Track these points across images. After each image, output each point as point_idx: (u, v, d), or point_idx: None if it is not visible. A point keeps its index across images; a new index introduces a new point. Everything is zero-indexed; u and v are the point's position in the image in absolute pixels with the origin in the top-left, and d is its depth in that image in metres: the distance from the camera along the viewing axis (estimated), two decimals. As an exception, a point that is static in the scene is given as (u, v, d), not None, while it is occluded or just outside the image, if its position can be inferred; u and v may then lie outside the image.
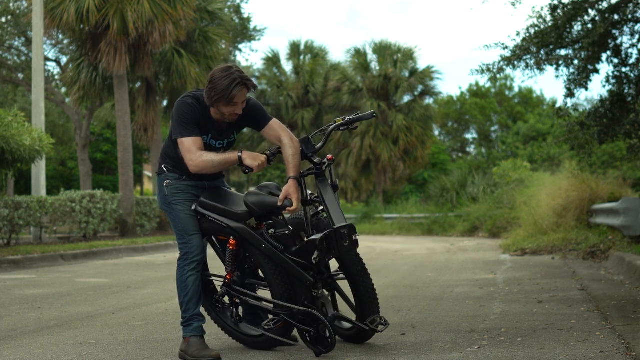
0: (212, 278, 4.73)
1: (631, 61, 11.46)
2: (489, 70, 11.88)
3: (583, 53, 11.09)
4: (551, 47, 11.33)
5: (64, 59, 28.17)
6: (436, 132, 45.40)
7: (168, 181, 4.47)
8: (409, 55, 32.70)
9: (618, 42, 11.40)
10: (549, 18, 11.25)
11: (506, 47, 11.74)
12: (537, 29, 11.30)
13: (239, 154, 4.26)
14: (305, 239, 4.33)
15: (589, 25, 11.10)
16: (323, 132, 4.54)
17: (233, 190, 4.71)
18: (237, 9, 29.64)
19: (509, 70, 12.31)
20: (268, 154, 4.33)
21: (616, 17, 10.97)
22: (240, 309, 4.74)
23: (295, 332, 4.57)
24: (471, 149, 49.87)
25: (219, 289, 4.72)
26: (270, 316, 4.45)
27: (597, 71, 11.20)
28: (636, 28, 11.45)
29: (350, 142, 31.90)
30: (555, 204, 14.07)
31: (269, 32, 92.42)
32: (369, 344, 4.52)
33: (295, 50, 34.53)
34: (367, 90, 32.20)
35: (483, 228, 20.40)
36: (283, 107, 33.27)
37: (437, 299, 6.64)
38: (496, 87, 47.50)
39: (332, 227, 4.12)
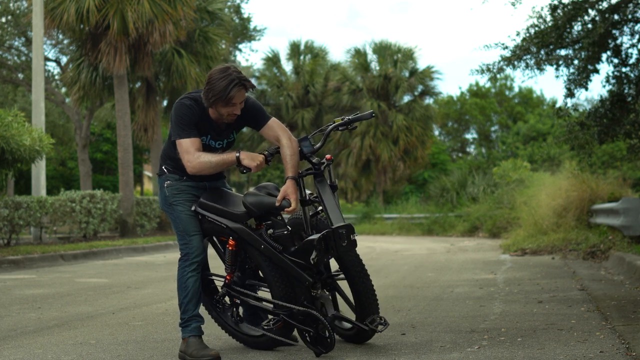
0: (213, 277, 4.74)
1: (631, 61, 11.46)
2: (489, 70, 11.88)
3: (583, 53, 11.09)
4: (551, 47, 11.33)
5: (64, 59, 28.18)
6: (436, 132, 45.41)
7: (169, 182, 4.48)
8: (409, 55, 32.71)
9: (618, 42, 11.40)
10: (549, 18, 11.26)
11: (506, 47, 11.74)
12: (537, 29, 11.30)
13: (237, 154, 4.26)
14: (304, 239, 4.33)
15: (589, 25, 11.10)
16: (322, 132, 4.54)
17: (233, 190, 4.72)
18: (237, 9, 29.64)
19: (509, 70, 12.32)
20: (266, 154, 4.33)
21: (616, 17, 10.97)
22: (241, 309, 4.74)
23: (295, 332, 4.57)
24: (471, 149, 49.89)
25: (219, 288, 4.73)
26: (270, 316, 4.45)
27: (597, 71, 11.20)
28: (636, 28, 11.45)
29: (350, 142, 31.90)
30: (555, 204, 14.07)
31: (269, 32, 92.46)
32: (369, 344, 4.52)
33: (295, 50, 34.53)
34: (367, 90, 32.20)
35: (483, 228, 20.40)
36: (283, 107, 33.27)
37: (437, 299, 6.64)
38: (496, 87, 47.50)
39: (330, 227, 4.12)
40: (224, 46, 24.29)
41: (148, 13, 17.60)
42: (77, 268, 11.34)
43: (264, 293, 4.63)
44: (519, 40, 11.54)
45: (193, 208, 4.44)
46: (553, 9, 11.15)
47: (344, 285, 4.57)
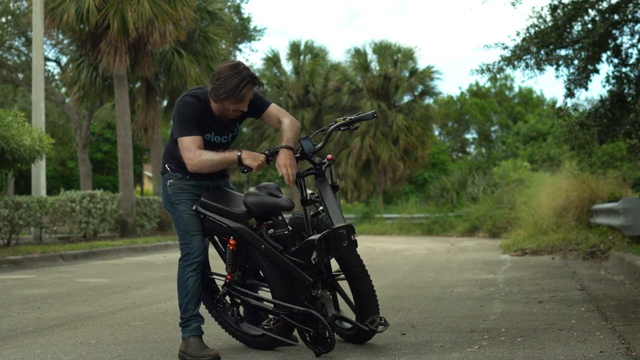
0: (214, 277, 4.74)
1: (631, 61, 11.46)
2: (489, 70, 11.89)
3: (583, 53, 11.09)
4: (551, 47, 11.34)
5: (64, 59, 28.18)
6: (436, 132, 45.41)
7: (171, 181, 4.47)
8: (409, 55, 32.70)
9: (618, 42, 11.40)
10: (549, 18, 11.26)
11: (506, 47, 11.74)
12: (537, 29, 11.30)
13: (239, 153, 4.26)
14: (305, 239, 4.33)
15: (589, 25, 11.10)
16: (323, 132, 4.54)
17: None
18: (237, 9, 29.65)
19: (509, 70, 12.33)
20: (267, 153, 4.33)
21: (616, 17, 10.97)
22: (242, 309, 4.74)
23: (295, 332, 4.57)
24: (471, 149, 49.89)
25: (220, 288, 4.73)
26: (270, 316, 4.45)
27: (597, 71, 11.20)
28: (636, 28, 11.45)
29: (350, 142, 31.90)
30: (555, 204, 14.07)
31: (269, 32, 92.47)
32: (369, 344, 4.52)
33: (295, 50, 34.53)
34: (367, 90, 32.20)
35: (483, 228, 20.40)
36: (283, 107, 33.13)
37: (437, 299, 6.64)
38: (496, 87, 47.51)
39: (331, 228, 4.12)
40: (224, 46, 24.30)
41: (148, 13, 17.60)
42: (77, 268, 11.34)
43: (265, 293, 4.63)
44: (519, 40, 11.55)
45: (194, 207, 4.44)
46: (553, 9, 11.15)
47: (344, 285, 4.57)
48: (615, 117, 11.30)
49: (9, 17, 26.09)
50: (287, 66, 34.83)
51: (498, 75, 12.33)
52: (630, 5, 10.96)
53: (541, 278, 8.26)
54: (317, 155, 4.42)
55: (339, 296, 4.61)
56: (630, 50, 11.50)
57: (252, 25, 30.68)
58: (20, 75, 27.45)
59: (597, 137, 11.48)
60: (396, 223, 25.03)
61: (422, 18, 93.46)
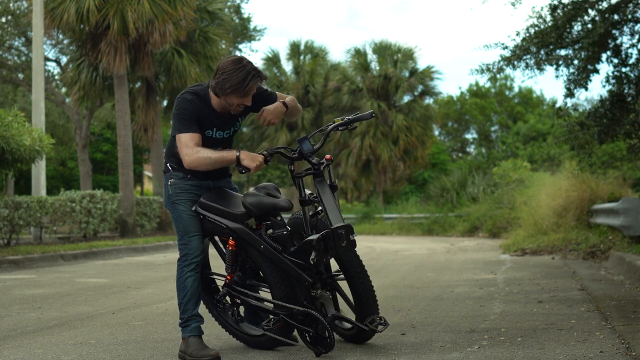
0: (214, 277, 4.74)
1: (631, 61, 11.46)
2: (488, 70, 11.89)
3: (583, 53, 11.09)
4: (551, 47, 11.34)
5: (64, 59, 28.19)
6: (436, 132, 45.42)
7: (172, 180, 4.46)
8: (409, 55, 32.70)
9: (618, 42, 11.40)
10: (549, 18, 11.26)
11: (506, 47, 11.74)
12: (537, 29, 11.30)
13: (237, 153, 4.25)
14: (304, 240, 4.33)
15: (589, 25, 11.11)
16: (322, 132, 4.54)
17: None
18: (237, 9, 29.65)
19: (508, 70, 12.33)
20: (265, 154, 4.32)
21: (616, 17, 10.97)
22: (242, 309, 4.74)
23: (295, 332, 4.57)
24: (471, 149, 49.90)
25: (220, 288, 4.73)
26: (270, 316, 4.45)
27: (597, 71, 11.21)
28: (636, 28, 11.45)
29: (350, 142, 31.90)
30: (555, 204, 14.07)
31: (269, 32, 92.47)
32: (369, 344, 4.52)
33: (295, 50, 34.53)
34: (367, 90, 32.20)
35: (483, 228, 20.40)
36: (283, 107, 33.25)
37: (437, 299, 6.64)
38: (496, 87, 47.51)
39: (329, 228, 4.12)
40: (224, 46, 24.29)
41: (148, 13, 17.60)
42: (77, 268, 11.34)
43: (265, 293, 4.63)
44: (519, 40, 11.55)
45: (194, 208, 4.43)
46: (553, 9, 11.15)
47: (344, 285, 4.57)
48: (615, 117, 11.30)
49: (9, 17, 26.09)
50: (287, 66, 34.86)
51: (498, 75, 12.34)
52: (630, 5, 10.96)
53: (541, 278, 8.26)
54: (316, 155, 4.42)
55: (339, 296, 4.62)
56: (630, 50, 11.51)
57: (252, 25, 30.68)
58: (20, 75, 27.45)
59: (597, 137, 11.48)
60: (396, 223, 25.03)
61: (422, 18, 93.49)
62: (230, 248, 4.50)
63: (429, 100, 34.39)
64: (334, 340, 4.18)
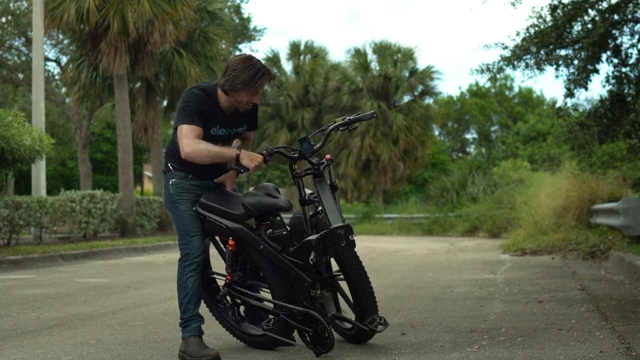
0: (215, 276, 4.74)
1: (631, 61, 11.46)
2: (488, 70, 11.89)
3: (583, 53, 11.09)
4: (551, 47, 11.34)
5: (64, 59, 28.19)
6: (436, 132, 45.41)
7: (174, 180, 4.45)
8: (409, 55, 32.70)
9: (618, 42, 11.40)
10: (549, 18, 11.26)
11: (506, 47, 11.74)
12: (537, 29, 11.30)
13: (237, 152, 4.26)
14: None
15: (589, 25, 11.11)
16: (322, 132, 4.54)
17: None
18: (237, 9, 29.65)
19: (508, 70, 12.34)
20: (265, 153, 4.33)
21: (616, 17, 10.97)
22: (242, 308, 4.74)
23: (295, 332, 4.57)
24: (471, 149, 49.90)
25: (221, 287, 4.73)
26: (270, 316, 4.46)
27: (597, 71, 11.21)
28: (636, 28, 11.45)
29: (350, 142, 31.90)
30: (555, 204, 14.07)
31: (269, 32, 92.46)
32: (369, 344, 4.52)
33: (295, 50, 34.53)
34: (367, 90, 32.20)
35: (483, 228, 20.40)
36: (283, 107, 33.27)
37: (437, 299, 6.64)
38: (496, 87, 47.51)
39: (328, 228, 4.12)
40: (224, 46, 24.30)
41: (148, 13, 17.60)
42: (77, 268, 11.34)
43: (265, 293, 4.63)
44: (519, 40, 11.55)
45: (194, 208, 4.43)
46: (553, 9, 11.15)
47: (344, 285, 4.57)
48: (615, 117, 11.30)
49: (9, 17, 26.09)
50: (287, 66, 34.85)
51: (498, 75, 12.34)
52: (630, 5, 10.96)
53: (541, 278, 8.26)
54: (316, 155, 4.42)
55: (339, 296, 4.62)
56: (630, 50, 11.51)
57: (252, 25, 30.69)
58: (20, 75, 27.45)
59: (597, 137, 11.48)
60: (396, 223, 25.03)
61: (422, 18, 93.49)
62: (230, 248, 4.50)
63: (429, 100, 34.41)
64: (334, 340, 4.18)
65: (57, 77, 29.16)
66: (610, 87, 11.60)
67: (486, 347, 4.33)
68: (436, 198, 26.25)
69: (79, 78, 20.73)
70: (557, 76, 11.82)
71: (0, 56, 27.12)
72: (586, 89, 11.30)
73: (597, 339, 4.46)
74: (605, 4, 11.05)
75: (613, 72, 11.49)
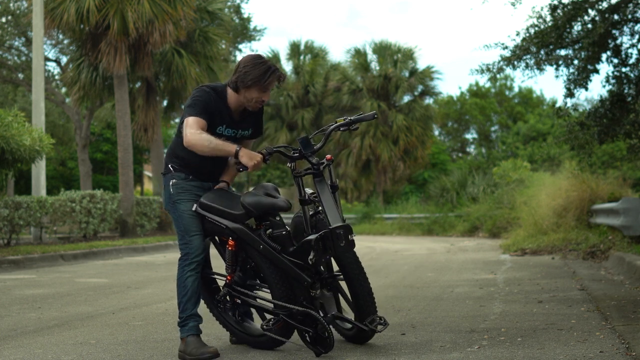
0: (215, 276, 4.74)
1: (631, 61, 11.46)
2: (488, 70, 11.89)
3: (583, 53, 11.09)
4: (551, 47, 11.34)
5: (64, 59, 28.18)
6: (436, 132, 45.41)
7: (174, 180, 4.48)
8: (409, 55, 32.69)
9: (618, 42, 11.40)
10: (549, 18, 11.26)
11: (506, 47, 11.74)
12: (537, 29, 11.30)
13: (237, 148, 4.27)
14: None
15: (589, 25, 11.11)
16: (323, 132, 4.55)
17: (234, 190, 4.72)
18: (237, 9, 29.64)
19: (508, 70, 12.35)
20: (264, 152, 4.33)
21: (616, 17, 10.97)
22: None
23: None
24: (471, 149, 49.89)
25: (221, 288, 4.73)
26: (270, 316, 4.46)
27: (597, 71, 11.21)
28: (636, 28, 11.45)
29: (350, 142, 31.90)
30: (555, 204, 14.07)
31: (269, 32, 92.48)
32: (369, 344, 4.52)
33: (295, 50, 34.52)
34: (367, 90, 32.19)
35: (483, 228, 20.40)
36: (283, 107, 33.27)
37: (437, 299, 6.64)
38: (496, 87, 47.51)
39: (328, 228, 4.12)
40: (224, 46, 24.30)
41: (148, 13, 17.60)
42: (77, 268, 11.34)
43: (265, 293, 4.63)
44: (519, 40, 11.55)
45: (194, 208, 4.44)
46: (553, 9, 11.15)
47: (345, 284, 4.57)
48: (615, 117, 11.31)
49: (9, 17, 26.09)
50: (287, 66, 34.83)
51: (498, 75, 12.34)
52: (630, 5, 10.96)
53: (541, 278, 8.26)
54: (317, 155, 4.42)
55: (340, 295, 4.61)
56: (630, 50, 11.51)
57: (252, 25, 30.67)
58: (20, 75, 27.45)
59: (597, 137, 11.48)
60: (396, 223, 25.03)
61: (422, 18, 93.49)
62: (230, 248, 4.51)
63: (429, 100, 34.40)
64: (334, 340, 4.18)
65: (57, 77, 29.16)
66: (610, 87, 11.60)
67: (486, 347, 4.33)
68: (436, 198, 26.25)
69: (79, 78, 20.72)
70: (557, 76, 11.82)
71: (0, 56, 27.12)
72: (586, 89, 11.30)
73: (597, 339, 4.46)
74: (605, 4, 11.05)
75: (613, 72, 11.49)
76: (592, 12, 11.14)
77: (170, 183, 4.48)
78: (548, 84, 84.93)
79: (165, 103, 24.71)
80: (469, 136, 49.11)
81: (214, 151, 4.28)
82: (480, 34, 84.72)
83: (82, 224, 16.97)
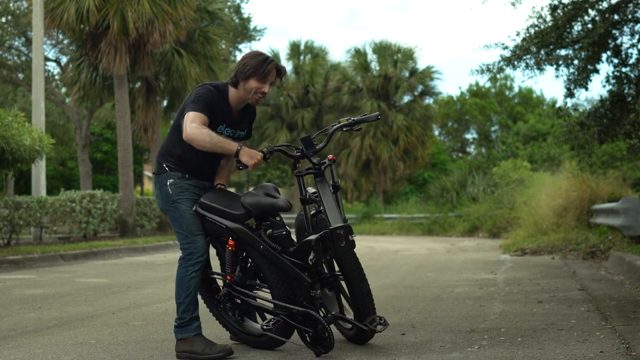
0: (215, 276, 4.75)
1: (631, 61, 11.46)
2: (489, 70, 11.89)
3: (583, 53, 11.09)
4: (551, 47, 11.34)
5: (64, 59, 28.18)
6: (436, 132, 45.41)
7: (172, 180, 4.45)
8: (409, 55, 32.70)
9: (618, 42, 11.40)
10: (549, 18, 11.26)
11: (506, 47, 11.74)
12: (537, 29, 11.30)
13: (238, 147, 4.27)
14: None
15: (589, 25, 11.11)
16: (326, 132, 4.55)
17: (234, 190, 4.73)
18: (237, 9, 29.64)
19: (509, 70, 12.36)
20: (265, 151, 4.33)
21: (616, 17, 10.97)
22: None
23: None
24: (471, 149, 49.89)
25: (221, 287, 4.73)
26: (269, 316, 4.46)
27: (597, 71, 11.21)
28: (636, 28, 11.46)
29: (350, 142, 31.90)
30: (555, 204, 14.07)
31: (269, 32, 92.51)
32: (369, 344, 4.52)
33: (295, 50, 34.52)
34: (367, 90, 32.20)
35: (483, 228, 20.40)
36: (283, 107, 33.27)
37: (437, 299, 6.64)
38: (496, 87, 47.51)
39: (328, 228, 4.12)
40: (224, 46, 24.29)
41: (148, 13, 17.60)
42: (77, 268, 11.34)
43: (266, 293, 4.63)
44: (519, 40, 11.55)
45: (194, 208, 4.43)
46: (553, 9, 11.15)
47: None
48: (615, 117, 11.31)
49: (9, 17, 26.08)
50: (287, 66, 34.83)
51: (498, 75, 12.34)
52: (630, 5, 10.96)
53: (541, 278, 8.26)
54: (318, 155, 4.42)
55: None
56: (630, 50, 11.51)
57: (252, 25, 30.69)
58: (20, 75, 27.45)
59: (597, 137, 11.48)
60: (396, 223, 25.03)
61: (422, 18, 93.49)
62: (229, 248, 4.51)
63: (429, 100, 34.41)
64: (334, 340, 4.18)
65: (57, 77, 29.16)
66: (610, 87, 11.60)
67: (486, 347, 4.33)
68: (436, 198, 26.25)
69: (79, 78, 20.72)
70: (557, 76, 11.82)
71: (0, 56, 27.12)
72: (586, 89, 11.30)
73: (597, 339, 4.46)
74: (605, 4, 11.05)
75: (613, 72, 11.49)
76: (592, 12, 11.14)
77: (168, 183, 4.45)
78: (548, 84, 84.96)
79: (165, 103, 24.71)
80: (469, 136, 49.14)
81: (214, 147, 4.25)
82: (480, 34, 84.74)
83: (82, 224, 16.97)
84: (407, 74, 32.88)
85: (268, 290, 4.47)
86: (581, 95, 65.89)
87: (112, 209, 17.81)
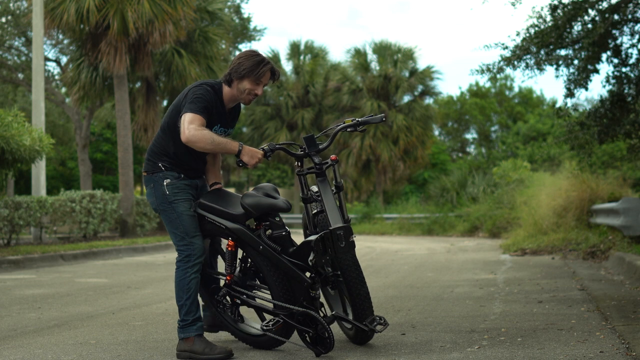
0: (219, 276, 4.75)
1: (631, 61, 11.46)
2: (489, 70, 11.88)
3: (583, 53, 11.09)
4: (551, 47, 11.34)
5: (64, 59, 28.18)
6: (436, 132, 45.38)
7: (168, 180, 4.42)
8: (409, 55, 32.70)
9: (618, 42, 11.40)
10: (549, 18, 11.26)
11: (506, 47, 11.74)
12: (537, 29, 11.30)
13: (240, 147, 4.26)
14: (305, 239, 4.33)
15: (589, 25, 11.11)
16: (330, 132, 4.55)
17: (233, 190, 4.73)
18: (237, 9, 29.64)
19: (509, 70, 12.35)
20: (266, 149, 4.33)
21: (616, 17, 10.97)
22: (242, 308, 4.75)
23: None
24: (471, 149, 49.87)
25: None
26: (269, 316, 4.46)
27: (597, 71, 11.20)
28: (636, 28, 11.45)
29: (351, 142, 31.90)
30: (555, 204, 14.07)
31: (269, 32, 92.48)
32: (369, 344, 4.52)
33: (295, 50, 34.52)
34: (367, 90, 32.19)
35: (483, 228, 20.40)
36: (283, 107, 33.26)
37: (437, 299, 6.64)
38: (496, 87, 47.49)
39: (327, 228, 4.12)
40: (224, 46, 24.29)
41: (148, 13, 17.60)
42: (77, 268, 11.34)
43: (265, 294, 4.63)
44: (519, 40, 11.54)
45: (193, 209, 4.43)
46: (553, 9, 11.15)
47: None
48: (615, 117, 11.31)
49: (9, 17, 26.09)
50: (287, 66, 34.83)
51: (498, 75, 12.33)
52: (630, 5, 10.96)
53: (541, 278, 8.26)
54: (321, 155, 4.43)
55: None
56: (630, 50, 11.50)
57: (252, 25, 30.68)
58: (20, 75, 27.45)
59: (597, 137, 11.48)
60: (396, 223, 25.03)
61: (422, 18, 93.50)
62: (229, 249, 4.51)
63: (429, 100, 34.40)
64: (334, 340, 4.18)
65: (57, 77, 29.16)
66: (610, 87, 11.60)
67: (486, 347, 4.33)
68: (436, 198, 26.24)
69: (79, 78, 20.72)
70: (557, 76, 11.81)
71: (0, 56, 27.12)
72: (586, 89, 11.30)
73: (597, 339, 4.46)
74: (605, 4, 11.04)
75: (613, 72, 11.49)
76: (592, 12, 11.14)
77: (165, 183, 4.41)
78: (548, 84, 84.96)
79: (165, 103, 24.71)
80: (469, 136, 49.12)
81: (216, 148, 4.24)
82: (480, 34, 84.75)
83: (82, 224, 16.97)
84: (407, 74, 32.88)
85: (268, 291, 4.47)
86: (581, 95, 66.00)
87: (112, 209, 17.81)
